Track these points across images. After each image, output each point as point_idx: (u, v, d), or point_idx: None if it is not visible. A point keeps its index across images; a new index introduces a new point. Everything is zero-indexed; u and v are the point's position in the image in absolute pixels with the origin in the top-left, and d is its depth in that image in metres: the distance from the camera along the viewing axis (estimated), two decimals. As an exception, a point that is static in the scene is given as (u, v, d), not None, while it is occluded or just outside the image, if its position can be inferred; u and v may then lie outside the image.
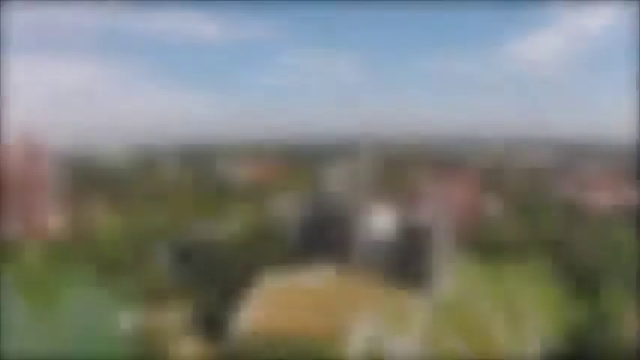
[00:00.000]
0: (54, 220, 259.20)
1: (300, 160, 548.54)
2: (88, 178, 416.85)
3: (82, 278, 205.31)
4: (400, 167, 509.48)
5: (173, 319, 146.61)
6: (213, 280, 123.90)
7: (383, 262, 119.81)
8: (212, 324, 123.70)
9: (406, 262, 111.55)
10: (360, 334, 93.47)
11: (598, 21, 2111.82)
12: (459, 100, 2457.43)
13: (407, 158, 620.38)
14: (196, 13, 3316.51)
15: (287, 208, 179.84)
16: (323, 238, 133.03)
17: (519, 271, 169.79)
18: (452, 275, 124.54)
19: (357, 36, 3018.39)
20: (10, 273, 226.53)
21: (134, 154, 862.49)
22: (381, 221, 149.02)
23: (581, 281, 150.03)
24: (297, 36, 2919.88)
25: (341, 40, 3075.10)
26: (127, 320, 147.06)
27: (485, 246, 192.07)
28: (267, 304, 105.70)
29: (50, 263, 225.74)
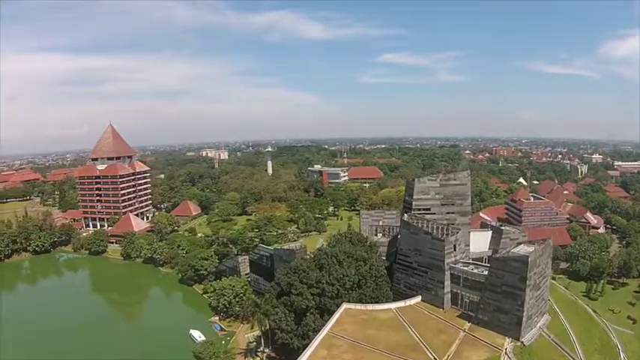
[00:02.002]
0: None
1: (398, 164, 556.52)
2: (192, 176, 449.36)
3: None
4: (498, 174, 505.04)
5: (245, 336, 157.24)
6: (290, 303, 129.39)
7: (473, 296, 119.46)
8: (283, 349, 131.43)
9: (497, 299, 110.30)
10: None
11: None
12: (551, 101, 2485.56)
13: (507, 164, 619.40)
14: (296, 13, 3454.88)
15: (378, 223, 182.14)
16: (411, 263, 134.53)
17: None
18: (545, 315, 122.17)
19: (458, 36, 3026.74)
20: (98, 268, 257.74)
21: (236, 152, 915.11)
22: (476, 243, 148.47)
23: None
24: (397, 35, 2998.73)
25: (442, 41, 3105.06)
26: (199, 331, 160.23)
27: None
28: (342, 336, 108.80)
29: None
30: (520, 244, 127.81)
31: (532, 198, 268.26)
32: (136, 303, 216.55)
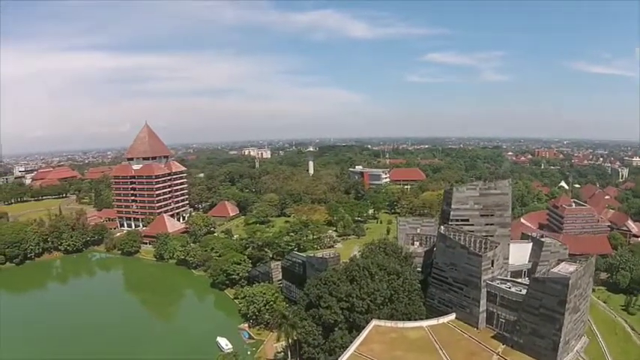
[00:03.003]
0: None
1: (441, 165, 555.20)
2: (231, 176, 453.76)
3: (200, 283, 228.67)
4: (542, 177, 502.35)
5: (273, 345, 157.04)
6: (318, 316, 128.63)
7: (509, 316, 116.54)
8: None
9: (534, 322, 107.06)
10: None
11: None
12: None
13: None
14: (340, 12, 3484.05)
15: (415, 231, 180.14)
16: (447, 278, 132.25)
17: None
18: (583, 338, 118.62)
19: (502, 36, 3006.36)
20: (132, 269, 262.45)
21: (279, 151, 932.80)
22: (516, 255, 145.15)
23: None
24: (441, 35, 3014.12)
25: (486, 40, 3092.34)
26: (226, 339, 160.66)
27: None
28: (368, 357, 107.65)
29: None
30: (561, 261, 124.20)
31: (574, 204, 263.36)
32: (166, 305, 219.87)
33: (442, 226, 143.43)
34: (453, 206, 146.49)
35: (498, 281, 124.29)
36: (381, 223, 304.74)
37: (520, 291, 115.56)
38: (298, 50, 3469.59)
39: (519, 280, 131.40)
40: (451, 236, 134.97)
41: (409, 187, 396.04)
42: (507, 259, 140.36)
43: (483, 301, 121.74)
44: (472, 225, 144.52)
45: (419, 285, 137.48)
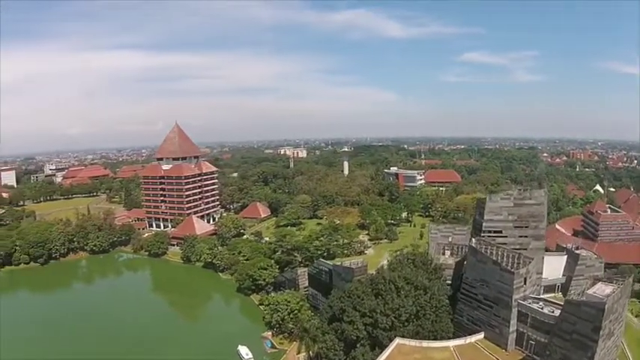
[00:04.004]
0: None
1: (477, 167, 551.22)
2: (265, 176, 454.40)
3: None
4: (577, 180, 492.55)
5: (296, 356, 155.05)
6: (341, 330, 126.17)
7: (539, 338, 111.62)
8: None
9: (565, 347, 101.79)
10: None
11: None
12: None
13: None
14: (373, 11, 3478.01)
15: (447, 239, 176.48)
16: (476, 295, 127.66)
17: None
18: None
19: (537, 36, 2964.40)
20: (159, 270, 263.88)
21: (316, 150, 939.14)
22: (550, 267, 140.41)
23: None
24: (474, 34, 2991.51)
25: (521, 40, 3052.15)
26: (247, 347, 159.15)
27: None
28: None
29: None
30: (598, 280, 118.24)
31: (609, 210, 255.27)
32: (189, 308, 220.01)
33: (473, 239, 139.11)
34: (485, 217, 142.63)
35: (530, 300, 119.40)
36: (414, 226, 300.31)
37: (552, 312, 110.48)
38: (334, 49, 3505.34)
39: (552, 296, 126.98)
40: (482, 250, 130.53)
41: (444, 189, 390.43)
42: (541, 273, 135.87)
43: (514, 321, 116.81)
44: (505, 237, 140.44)
45: (447, 301, 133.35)
